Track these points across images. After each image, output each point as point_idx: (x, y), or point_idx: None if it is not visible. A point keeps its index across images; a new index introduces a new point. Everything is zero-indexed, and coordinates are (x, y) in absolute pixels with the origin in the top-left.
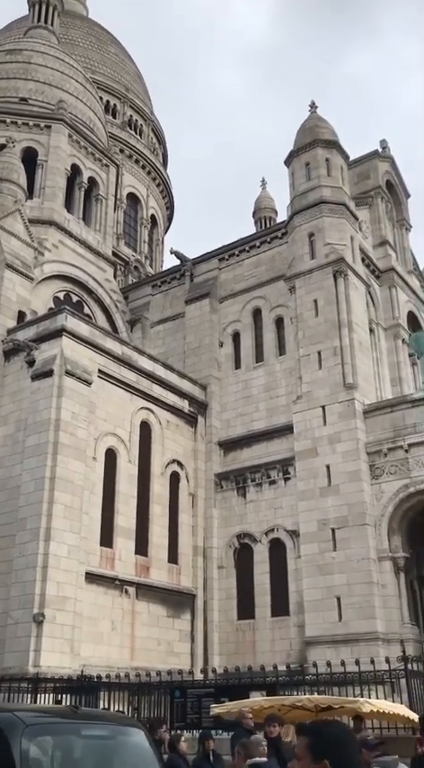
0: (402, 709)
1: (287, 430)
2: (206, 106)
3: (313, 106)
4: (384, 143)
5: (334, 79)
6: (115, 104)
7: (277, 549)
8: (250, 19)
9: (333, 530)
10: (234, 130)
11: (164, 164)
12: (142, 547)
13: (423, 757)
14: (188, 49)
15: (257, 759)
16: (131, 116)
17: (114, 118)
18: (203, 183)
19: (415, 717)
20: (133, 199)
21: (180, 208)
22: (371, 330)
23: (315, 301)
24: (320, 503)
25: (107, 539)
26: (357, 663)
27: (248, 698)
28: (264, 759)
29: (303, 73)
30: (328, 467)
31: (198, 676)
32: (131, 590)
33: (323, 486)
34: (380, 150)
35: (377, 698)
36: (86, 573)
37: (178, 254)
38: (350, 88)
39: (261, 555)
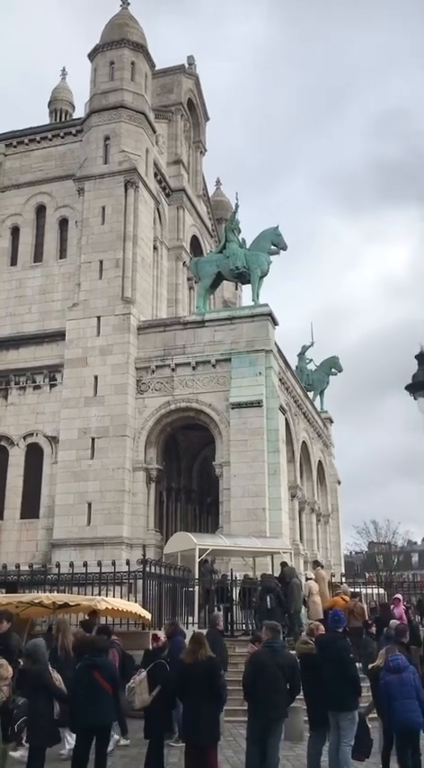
0: (136, 608)
1: (58, 336)
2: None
3: (124, 1)
4: (191, 59)
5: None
6: None
7: (34, 454)
8: None
9: (93, 439)
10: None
11: None
12: None
13: (156, 651)
14: None
15: None
16: None
17: None
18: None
19: (147, 614)
20: None
21: None
22: (155, 248)
23: (103, 208)
24: (83, 412)
25: None
26: (99, 564)
27: None
28: None
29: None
30: (96, 377)
31: None
32: None
33: (89, 395)
34: (187, 66)
35: (114, 597)
36: None
37: None
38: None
39: (17, 458)
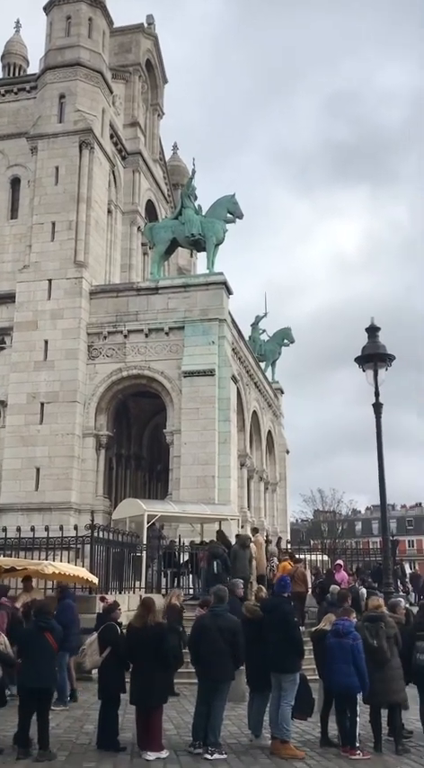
0: (83, 572)
1: (8, 298)
2: None
3: None
4: (150, 19)
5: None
6: None
7: None
8: None
9: (43, 404)
10: None
11: None
12: None
13: (105, 612)
14: None
15: None
16: None
17: None
18: None
19: (94, 578)
20: None
21: None
22: (109, 211)
23: (57, 168)
24: (32, 376)
25: None
26: (47, 529)
27: None
28: None
29: None
30: (46, 341)
31: None
32: None
33: (39, 360)
34: (146, 26)
35: (62, 561)
36: None
37: None
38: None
39: None
